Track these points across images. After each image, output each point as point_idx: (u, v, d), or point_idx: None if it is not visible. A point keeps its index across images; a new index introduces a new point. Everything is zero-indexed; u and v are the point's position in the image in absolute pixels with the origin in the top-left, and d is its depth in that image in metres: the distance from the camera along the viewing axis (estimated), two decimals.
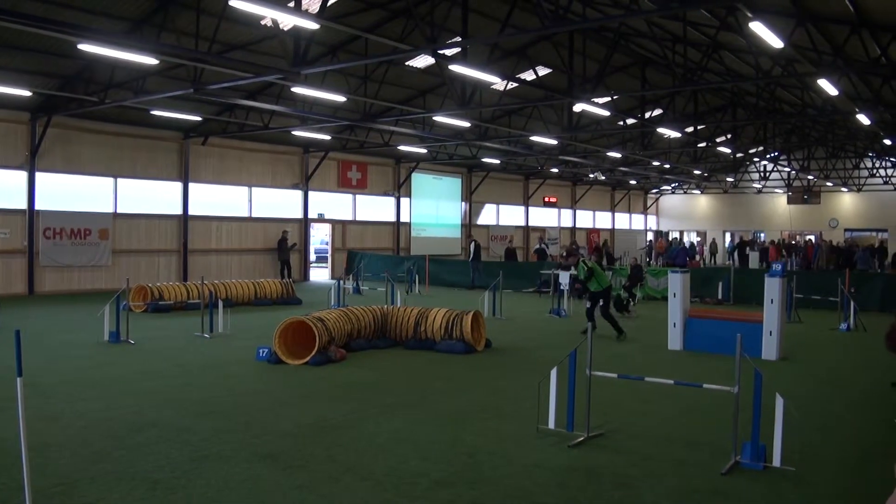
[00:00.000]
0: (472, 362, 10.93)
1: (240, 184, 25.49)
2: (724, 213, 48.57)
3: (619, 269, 22.87)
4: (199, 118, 21.19)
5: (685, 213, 50.60)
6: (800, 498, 5.50)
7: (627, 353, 12.07)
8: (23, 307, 17.27)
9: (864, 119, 20.61)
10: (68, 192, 20.98)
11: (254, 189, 25.92)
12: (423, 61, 20.29)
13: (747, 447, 6.10)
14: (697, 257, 38.35)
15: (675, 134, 24.75)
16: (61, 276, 20.70)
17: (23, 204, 19.96)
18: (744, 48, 17.68)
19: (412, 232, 32.47)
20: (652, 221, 51.65)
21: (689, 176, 40.92)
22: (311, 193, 27.75)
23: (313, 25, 12.47)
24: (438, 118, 21.05)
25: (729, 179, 44.34)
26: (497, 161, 32.26)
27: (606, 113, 21.69)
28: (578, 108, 22.24)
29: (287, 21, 13.81)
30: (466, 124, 23.28)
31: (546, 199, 41.31)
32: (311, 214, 27.98)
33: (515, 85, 21.13)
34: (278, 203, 26.82)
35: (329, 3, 14.34)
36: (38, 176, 20.18)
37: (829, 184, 41.62)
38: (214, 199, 24.66)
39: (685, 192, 50.22)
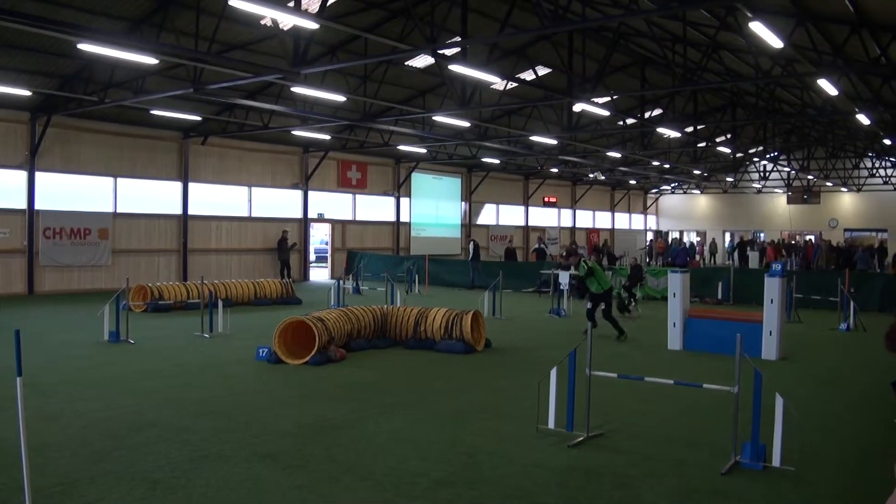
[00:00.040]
0: (472, 362, 10.93)
1: (239, 183, 25.48)
2: (724, 213, 48.58)
3: (618, 269, 22.87)
4: (198, 118, 21.19)
5: (685, 213, 50.61)
6: (800, 498, 5.50)
7: (627, 353, 12.07)
8: (22, 307, 17.26)
9: (863, 119, 20.61)
10: (68, 192, 20.97)
11: (253, 189, 25.92)
12: (422, 61, 20.29)
13: (747, 447, 6.10)
14: (697, 257, 38.35)
15: (674, 134, 24.74)
16: (61, 276, 20.69)
17: (22, 204, 19.95)
18: (743, 48, 17.68)
19: (412, 232, 32.47)
20: (652, 221, 51.65)
21: (688, 176, 40.92)
22: (310, 193, 27.75)
23: (313, 25, 12.47)
24: (438, 118, 21.05)
25: (729, 179, 44.34)
26: (497, 161, 32.26)
27: (606, 113, 21.68)
28: (578, 107, 22.24)
29: (287, 21, 13.80)
30: (466, 124, 23.28)
31: (546, 199, 41.31)
32: (311, 214, 27.98)
33: (515, 85, 21.14)
34: (278, 203, 26.81)
35: (329, 3, 14.33)
36: (38, 175, 20.18)
37: (828, 184, 41.62)
38: (214, 199, 24.66)
39: (685, 192, 50.23)
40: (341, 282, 18.93)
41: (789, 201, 44.66)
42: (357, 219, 30.09)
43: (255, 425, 7.13)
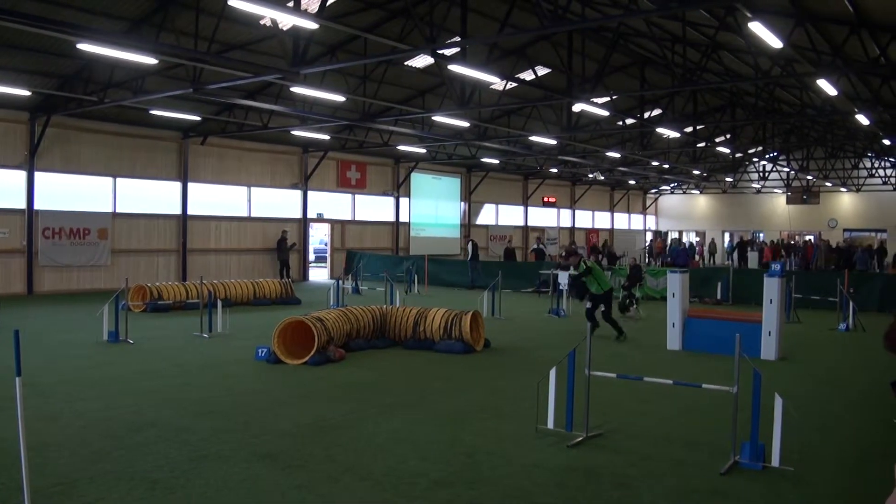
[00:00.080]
0: (471, 362, 10.93)
1: (239, 183, 25.48)
2: (723, 214, 48.58)
3: (618, 269, 22.87)
4: (198, 118, 21.19)
5: (684, 213, 50.61)
6: (799, 498, 5.50)
7: (626, 353, 12.07)
8: (22, 307, 17.26)
9: (863, 119, 20.62)
10: (67, 192, 20.97)
11: (253, 189, 25.92)
12: (422, 61, 20.29)
13: (746, 447, 6.10)
14: (697, 257, 38.38)
15: (674, 134, 24.75)
16: (60, 276, 20.69)
17: (22, 204, 19.95)
18: (743, 48, 17.69)
19: (411, 232, 32.47)
20: (651, 221, 51.66)
21: (688, 176, 40.93)
22: (310, 193, 27.75)
23: (312, 25, 12.47)
24: (437, 118, 21.05)
25: (728, 179, 44.35)
26: (496, 161, 32.26)
27: (605, 113, 21.68)
28: (577, 107, 22.25)
29: (286, 21, 13.79)
30: (465, 124, 23.28)
31: (545, 199, 41.31)
32: (311, 214, 27.98)
33: (514, 85, 21.14)
34: (277, 203, 26.81)
35: (328, 3, 14.33)
36: (38, 175, 20.17)
37: (828, 184, 41.62)
38: (213, 199, 24.66)
39: (684, 192, 50.23)
40: (340, 282, 18.93)
41: (788, 201, 44.66)
42: (356, 219, 30.09)
43: (255, 425, 7.13)
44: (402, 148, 27.34)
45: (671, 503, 5.34)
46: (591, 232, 45.15)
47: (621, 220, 49.02)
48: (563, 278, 17.40)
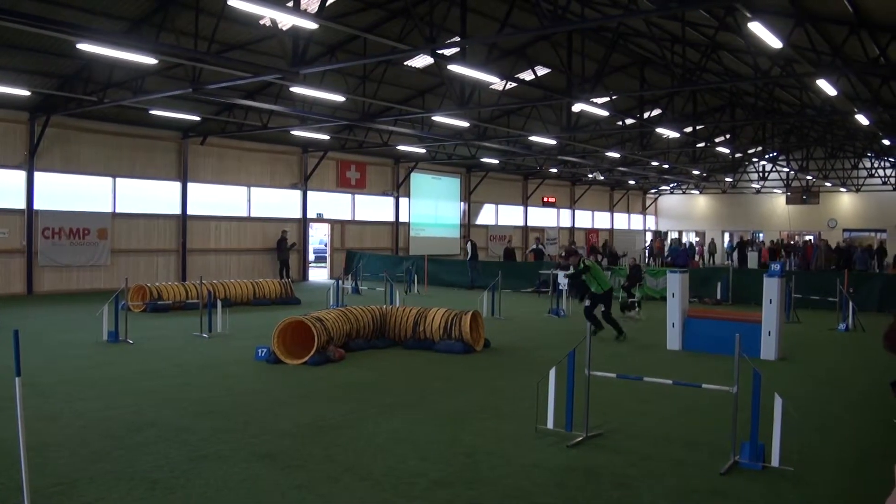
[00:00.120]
0: (471, 362, 10.94)
1: (238, 183, 25.47)
2: (723, 214, 48.59)
3: (618, 269, 22.87)
4: (197, 118, 21.18)
5: (684, 213, 50.62)
6: (798, 498, 5.50)
7: (626, 353, 12.07)
8: (21, 307, 17.26)
9: (862, 119, 20.62)
10: (67, 192, 20.96)
11: (252, 189, 25.91)
12: (421, 61, 20.29)
13: (746, 447, 6.10)
14: (696, 257, 38.38)
15: (673, 134, 24.76)
16: (60, 276, 20.68)
17: (21, 204, 19.94)
18: (742, 48, 17.69)
19: (411, 232, 32.47)
20: (651, 221, 51.67)
21: (687, 176, 40.93)
22: (309, 193, 27.75)
23: (312, 25, 12.47)
24: (437, 118, 21.05)
25: (728, 179, 44.35)
26: (496, 161, 32.26)
27: (605, 113, 21.69)
28: (577, 108, 22.25)
29: (286, 21, 13.79)
30: (465, 124, 23.28)
31: (545, 199, 41.32)
32: (310, 214, 27.98)
33: (514, 85, 21.14)
34: (277, 203, 26.81)
35: (328, 3, 14.32)
36: (37, 175, 20.17)
37: (827, 184, 41.63)
38: (213, 199, 24.65)
39: (684, 193, 50.24)
40: (340, 282, 18.92)
41: (788, 201, 44.68)
42: (356, 219, 30.08)
43: (254, 425, 7.13)
44: (401, 148, 27.34)
45: (671, 503, 5.34)
46: (590, 232, 45.15)
47: (621, 221, 49.03)
48: (563, 278, 17.40)
